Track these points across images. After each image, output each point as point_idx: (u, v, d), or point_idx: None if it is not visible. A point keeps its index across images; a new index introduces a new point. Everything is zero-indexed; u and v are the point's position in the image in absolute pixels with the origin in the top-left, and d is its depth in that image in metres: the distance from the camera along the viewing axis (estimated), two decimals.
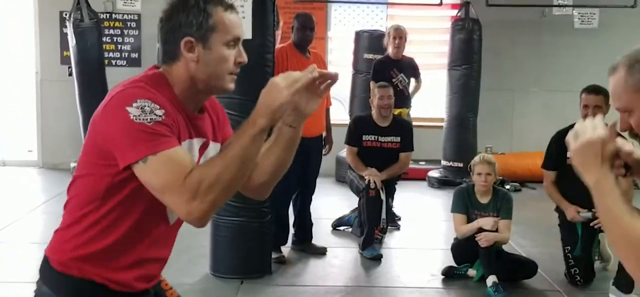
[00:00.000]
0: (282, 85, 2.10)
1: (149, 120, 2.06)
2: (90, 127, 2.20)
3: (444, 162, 9.88)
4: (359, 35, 10.12)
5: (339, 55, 10.85)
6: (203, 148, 2.32)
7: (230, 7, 2.25)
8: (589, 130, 1.93)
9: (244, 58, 2.26)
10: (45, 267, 2.31)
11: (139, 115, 2.06)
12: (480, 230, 5.63)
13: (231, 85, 2.27)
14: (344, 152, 7.50)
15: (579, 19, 9.81)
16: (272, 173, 2.37)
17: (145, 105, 2.08)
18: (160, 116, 2.08)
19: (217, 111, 2.48)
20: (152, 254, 2.35)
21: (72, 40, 9.06)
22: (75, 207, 2.28)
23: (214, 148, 2.36)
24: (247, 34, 2.27)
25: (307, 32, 6.33)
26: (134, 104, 2.07)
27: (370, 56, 9.55)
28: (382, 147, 6.78)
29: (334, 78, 2.22)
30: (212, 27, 2.19)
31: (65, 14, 9.69)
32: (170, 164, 2.05)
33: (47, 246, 2.34)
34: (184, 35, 2.19)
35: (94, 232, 2.23)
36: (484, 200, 5.81)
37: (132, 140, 2.05)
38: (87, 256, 2.24)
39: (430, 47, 10.78)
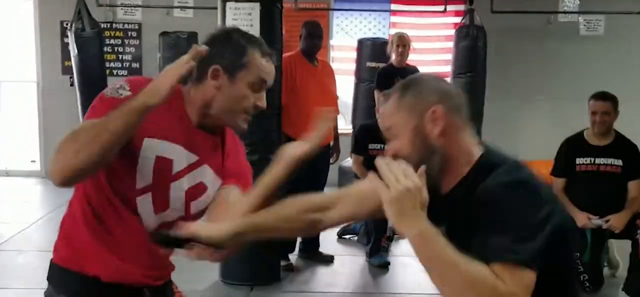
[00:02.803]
0: (170, 67, 2.06)
1: (108, 93, 2.13)
2: None
3: None
4: (361, 43, 10.05)
5: (342, 64, 10.79)
6: (194, 166, 2.28)
7: (268, 55, 2.26)
8: (401, 178, 1.77)
9: (263, 104, 2.26)
10: (50, 266, 2.34)
11: (106, 90, 2.14)
12: None
13: (243, 125, 2.27)
14: (347, 161, 7.44)
15: (584, 25, 9.73)
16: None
17: (118, 85, 2.13)
18: (120, 94, 2.11)
19: (235, 144, 2.44)
20: (134, 250, 2.29)
21: (73, 50, 9.00)
22: (70, 204, 2.32)
23: (208, 174, 2.31)
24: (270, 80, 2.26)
25: (315, 40, 6.31)
26: (116, 84, 2.14)
27: (373, 64, 9.46)
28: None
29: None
30: (243, 64, 2.20)
31: (66, 24, 9.65)
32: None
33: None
34: (215, 63, 2.18)
35: (80, 223, 2.25)
36: None
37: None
38: (75, 249, 2.26)
39: (434, 54, 10.73)
